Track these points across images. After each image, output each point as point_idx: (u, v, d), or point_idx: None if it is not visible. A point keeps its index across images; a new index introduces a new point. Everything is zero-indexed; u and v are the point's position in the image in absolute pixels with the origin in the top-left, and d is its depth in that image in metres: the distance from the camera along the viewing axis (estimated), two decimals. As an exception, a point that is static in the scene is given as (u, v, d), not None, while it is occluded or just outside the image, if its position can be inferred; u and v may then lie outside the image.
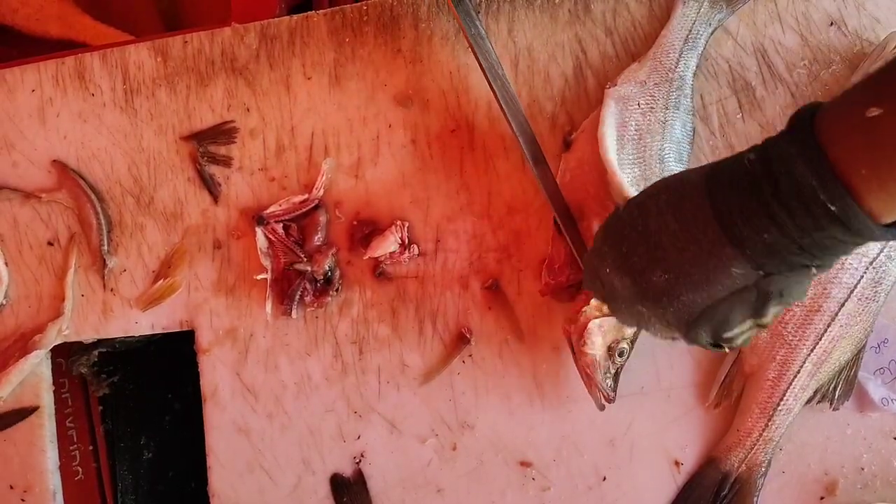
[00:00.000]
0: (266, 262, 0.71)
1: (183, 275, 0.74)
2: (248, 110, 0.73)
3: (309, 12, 0.73)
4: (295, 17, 0.72)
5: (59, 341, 0.76)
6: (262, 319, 0.72)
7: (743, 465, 0.61)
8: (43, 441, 0.77)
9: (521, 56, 0.67)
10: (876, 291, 0.57)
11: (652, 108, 0.61)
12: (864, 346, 0.59)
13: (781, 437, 0.60)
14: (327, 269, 0.70)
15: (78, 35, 1.08)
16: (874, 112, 0.36)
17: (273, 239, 0.71)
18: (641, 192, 0.49)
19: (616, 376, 0.61)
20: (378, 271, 0.70)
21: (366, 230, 0.70)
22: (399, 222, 0.68)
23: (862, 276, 0.57)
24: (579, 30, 0.66)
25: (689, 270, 0.44)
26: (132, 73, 0.76)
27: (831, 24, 0.62)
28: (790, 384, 0.59)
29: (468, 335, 0.68)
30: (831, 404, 0.60)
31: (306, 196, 0.71)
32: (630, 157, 0.61)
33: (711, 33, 0.63)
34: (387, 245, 0.68)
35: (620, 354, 0.60)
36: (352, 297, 0.71)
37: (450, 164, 0.69)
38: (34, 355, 0.75)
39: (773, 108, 0.63)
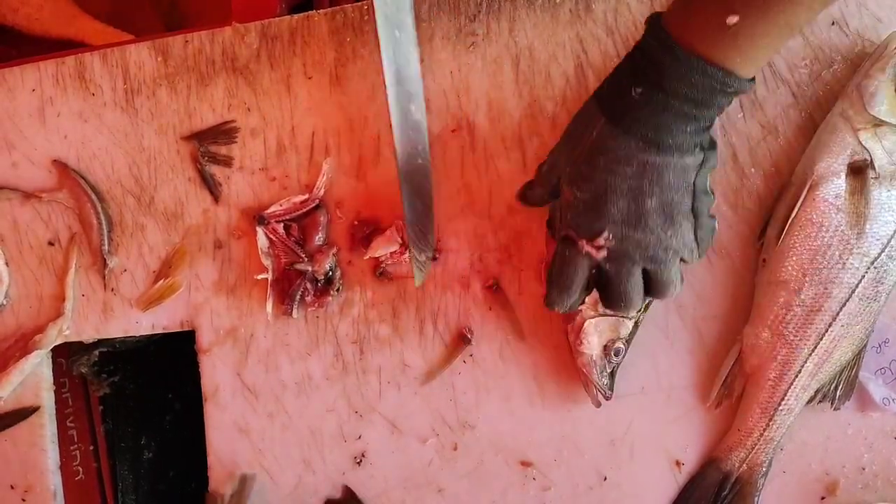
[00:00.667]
0: (267, 262, 0.71)
1: (183, 275, 0.74)
2: (248, 110, 0.73)
3: (310, 12, 0.73)
4: (296, 16, 0.72)
5: (59, 341, 0.76)
6: (263, 319, 0.72)
7: (744, 465, 0.61)
8: (43, 441, 0.77)
9: (521, 56, 0.67)
10: (877, 291, 0.57)
11: None
12: (865, 346, 0.59)
13: (782, 437, 0.60)
14: (328, 269, 0.70)
15: (78, 35, 1.08)
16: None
17: (274, 239, 0.71)
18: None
19: (612, 375, 0.62)
20: (379, 271, 0.69)
21: (366, 230, 0.70)
22: (399, 222, 0.68)
23: (863, 276, 0.57)
24: (580, 29, 0.66)
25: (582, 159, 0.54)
26: (132, 73, 0.76)
27: (833, 23, 0.62)
28: (791, 384, 0.59)
29: (469, 335, 0.68)
30: (832, 404, 0.60)
31: (307, 196, 0.71)
32: None
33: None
34: (388, 245, 0.68)
35: (616, 353, 0.61)
36: (352, 297, 0.71)
37: (450, 164, 0.69)
38: (34, 355, 0.75)
39: (774, 108, 0.63)
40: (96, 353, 0.81)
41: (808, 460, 0.62)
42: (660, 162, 0.51)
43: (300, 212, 0.71)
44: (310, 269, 0.69)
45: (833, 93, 0.61)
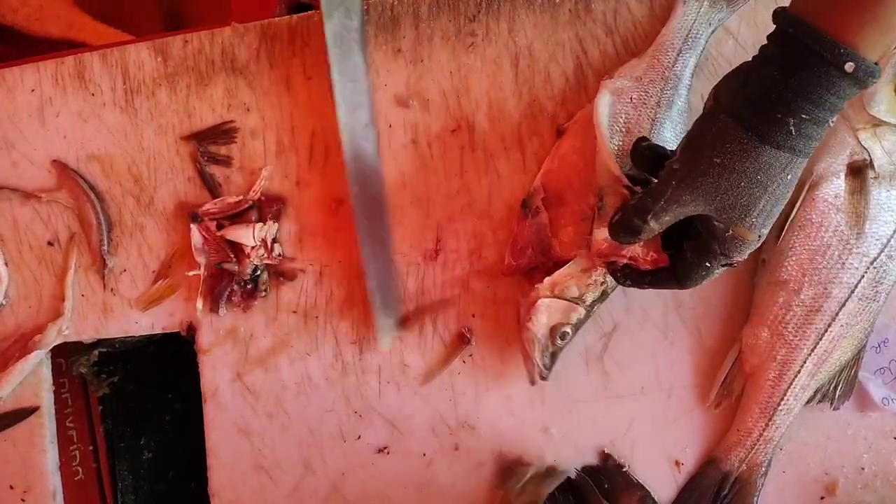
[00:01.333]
0: (200, 259, 0.72)
1: (183, 275, 0.74)
2: (248, 110, 0.73)
3: (309, 12, 0.73)
4: (295, 16, 0.72)
5: (59, 341, 0.76)
6: (263, 319, 0.72)
7: (743, 465, 0.61)
8: (43, 441, 0.77)
9: (521, 55, 0.67)
10: (876, 291, 0.57)
11: (644, 103, 0.61)
12: (864, 346, 0.59)
13: (782, 437, 0.60)
14: (253, 271, 0.70)
15: (78, 35, 1.08)
16: None
17: (206, 237, 0.71)
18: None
19: (553, 356, 0.62)
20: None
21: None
22: (262, 224, 0.70)
23: (863, 276, 0.57)
24: (580, 29, 0.66)
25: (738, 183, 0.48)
26: (132, 73, 0.76)
27: (832, 23, 0.61)
28: (791, 384, 0.59)
29: (468, 335, 0.68)
30: (832, 404, 0.60)
31: (241, 197, 0.71)
32: (615, 149, 0.61)
33: (711, 33, 0.63)
34: (244, 235, 0.70)
35: (562, 337, 0.62)
36: (353, 297, 0.70)
37: (450, 165, 0.69)
38: (34, 355, 0.75)
39: (773, 108, 0.62)
40: (96, 353, 0.81)
41: (808, 460, 0.62)
42: (801, 166, 0.48)
43: (233, 212, 0.71)
44: (235, 269, 0.70)
45: (832, 93, 0.61)
